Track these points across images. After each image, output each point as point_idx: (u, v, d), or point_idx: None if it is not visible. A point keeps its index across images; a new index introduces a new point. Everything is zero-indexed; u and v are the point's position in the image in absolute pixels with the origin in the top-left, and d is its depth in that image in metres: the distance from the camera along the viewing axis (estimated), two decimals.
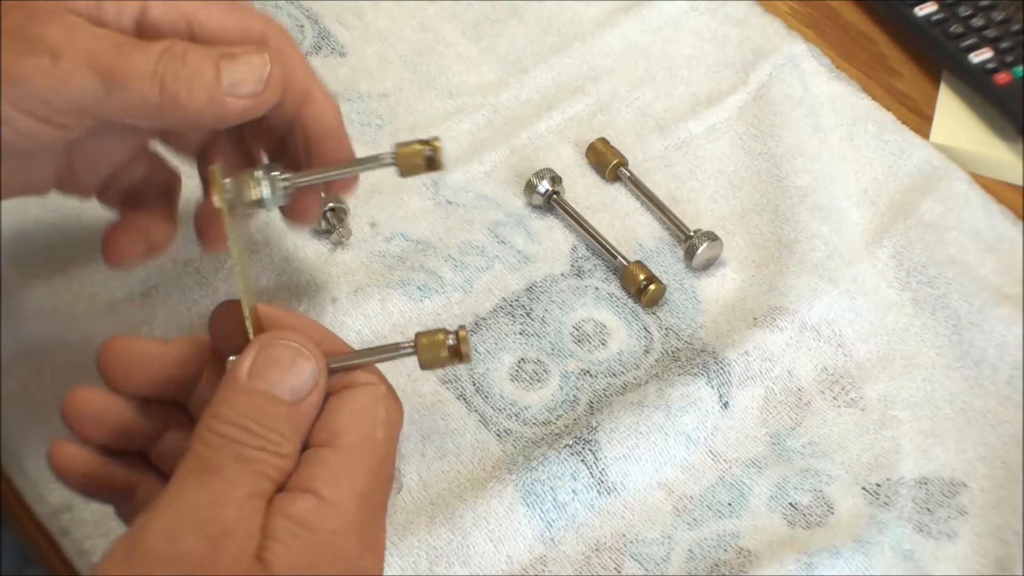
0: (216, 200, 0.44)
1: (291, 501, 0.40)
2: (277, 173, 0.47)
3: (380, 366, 0.45)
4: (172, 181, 0.53)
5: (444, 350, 0.45)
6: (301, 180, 0.47)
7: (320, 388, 0.42)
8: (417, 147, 0.47)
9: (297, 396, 0.41)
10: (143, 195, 0.52)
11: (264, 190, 0.46)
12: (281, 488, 0.41)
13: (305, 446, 0.42)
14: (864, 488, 0.54)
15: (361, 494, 0.41)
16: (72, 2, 0.45)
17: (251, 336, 0.44)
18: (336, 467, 0.41)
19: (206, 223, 0.51)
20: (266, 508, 0.40)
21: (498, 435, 0.55)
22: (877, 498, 0.54)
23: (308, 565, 0.39)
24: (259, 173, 0.46)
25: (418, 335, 0.46)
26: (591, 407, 0.56)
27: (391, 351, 0.45)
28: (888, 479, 0.54)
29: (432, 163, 0.47)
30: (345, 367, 0.44)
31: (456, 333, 0.45)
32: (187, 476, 0.40)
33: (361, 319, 0.57)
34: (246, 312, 0.44)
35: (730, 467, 0.55)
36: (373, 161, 0.47)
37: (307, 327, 0.45)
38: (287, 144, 0.50)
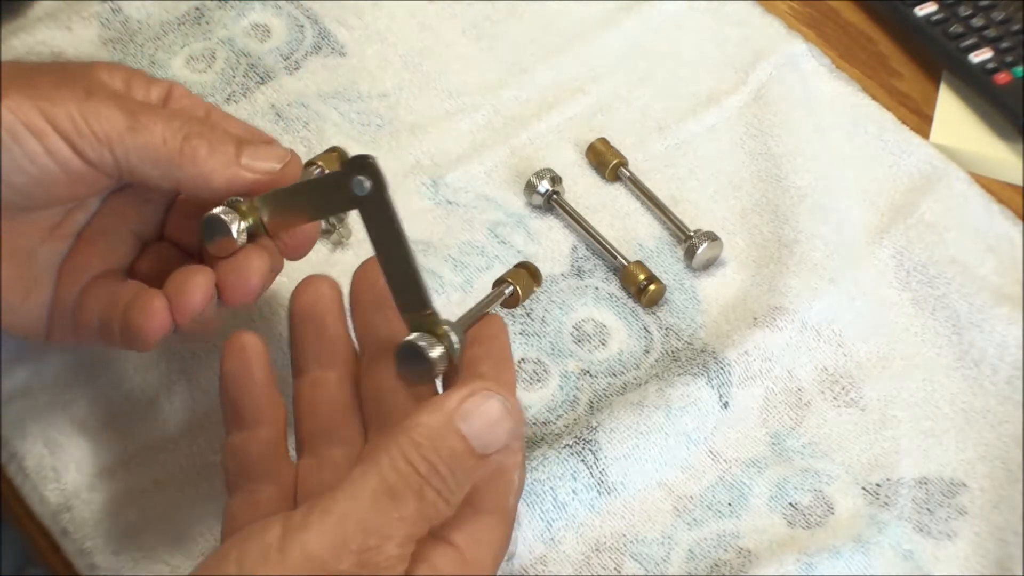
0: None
1: (434, 550, 0.41)
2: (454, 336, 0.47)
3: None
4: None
5: (530, 274, 0.52)
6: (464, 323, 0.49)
7: (507, 453, 0.42)
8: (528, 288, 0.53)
9: (486, 452, 0.41)
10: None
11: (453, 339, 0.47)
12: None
13: None
14: (864, 488, 0.54)
15: (496, 558, 0.42)
16: (107, 79, 0.48)
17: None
18: (477, 527, 0.42)
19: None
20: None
21: None
22: (877, 498, 0.54)
23: None
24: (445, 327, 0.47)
25: (505, 277, 0.52)
26: (591, 407, 0.56)
27: (497, 297, 0.51)
28: (888, 479, 0.54)
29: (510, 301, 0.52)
30: (469, 324, 0.48)
31: (525, 266, 0.53)
32: (365, 491, 0.40)
33: None
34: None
35: (730, 467, 0.55)
36: (498, 297, 0.52)
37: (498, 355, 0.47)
38: None
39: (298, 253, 0.51)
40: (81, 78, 0.47)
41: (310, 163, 0.54)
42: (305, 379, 0.48)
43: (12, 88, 0.45)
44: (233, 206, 0.48)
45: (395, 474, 0.40)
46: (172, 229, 0.52)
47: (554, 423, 0.56)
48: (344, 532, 0.39)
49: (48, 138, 0.45)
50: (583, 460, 0.53)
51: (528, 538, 0.52)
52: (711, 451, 0.55)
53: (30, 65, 0.48)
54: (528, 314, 0.59)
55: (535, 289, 0.53)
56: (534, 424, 0.55)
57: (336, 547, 0.39)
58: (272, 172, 0.48)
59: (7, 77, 0.46)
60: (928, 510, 0.53)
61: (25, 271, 0.49)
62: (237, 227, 0.47)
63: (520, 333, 0.58)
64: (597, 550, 0.52)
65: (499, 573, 0.44)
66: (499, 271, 0.60)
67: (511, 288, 0.51)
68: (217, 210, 0.47)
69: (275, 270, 0.50)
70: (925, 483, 0.54)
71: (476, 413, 0.41)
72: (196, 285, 0.47)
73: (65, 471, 0.53)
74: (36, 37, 0.66)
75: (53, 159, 0.46)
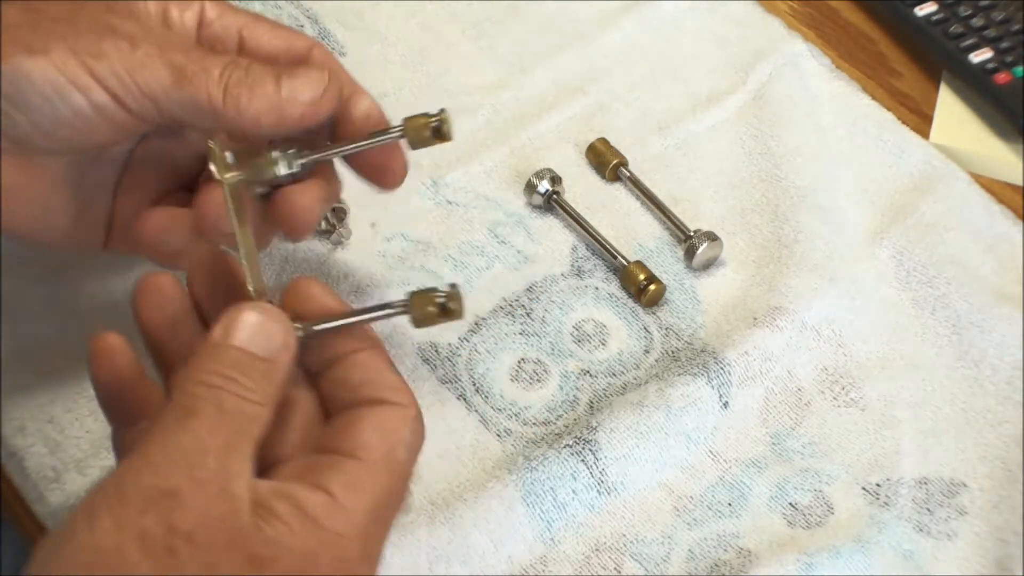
0: (215, 171, 0.46)
1: (304, 492, 0.41)
2: (292, 151, 0.48)
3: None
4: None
5: (434, 306, 0.46)
6: (316, 156, 0.49)
7: (290, 349, 0.43)
8: (424, 119, 0.48)
9: (269, 355, 0.43)
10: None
11: (281, 168, 0.48)
12: (271, 463, 0.43)
13: (330, 452, 0.43)
14: (864, 488, 0.54)
15: (374, 507, 0.42)
16: (143, 2, 0.49)
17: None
18: (355, 476, 0.42)
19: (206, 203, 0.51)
20: (252, 470, 0.41)
21: (498, 435, 0.55)
22: (877, 498, 0.54)
23: (309, 555, 0.40)
24: (275, 153, 0.48)
25: (411, 293, 0.46)
26: (591, 407, 0.56)
27: (383, 309, 0.46)
28: (888, 479, 0.54)
29: (439, 133, 0.48)
30: (335, 327, 0.45)
31: (447, 292, 0.46)
32: (169, 423, 0.41)
33: None
34: (249, 280, 0.46)
35: (730, 467, 0.55)
36: (382, 135, 0.49)
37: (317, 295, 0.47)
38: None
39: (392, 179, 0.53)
40: (124, 15, 0.48)
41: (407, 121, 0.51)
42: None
43: (56, 40, 0.46)
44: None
45: (188, 397, 0.41)
46: None
47: (554, 423, 0.56)
48: (166, 457, 0.40)
49: (94, 93, 0.46)
50: (583, 460, 0.53)
51: (528, 538, 0.52)
52: (711, 451, 0.55)
53: (72, 3, 0.48)
54: (528, 314, 0.59)
55: (440, 323, 0.47)
56: (534, 424, 0.55)
57: (161, 471, 0.39)
58: (315, 102, 0.48)
59: (51, 23, 0.46)
60: (928, 510, 0.53)
61: (75, 194, 0.50)
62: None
63: (520, 333, 0.58)
64: (597, 550, 0.52)
65: (392, 523, 0.44)
66: (499, 271, 0.60)
67: (402, 310, 0.46)
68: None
69: (331, 199, 0.51)
70: (925, 483, 0.54)
71: (235, 327, 0.43)
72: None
73: (65, 471, 0.53)
74: None
75: (99, 112, 0.47)
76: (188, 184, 0.53)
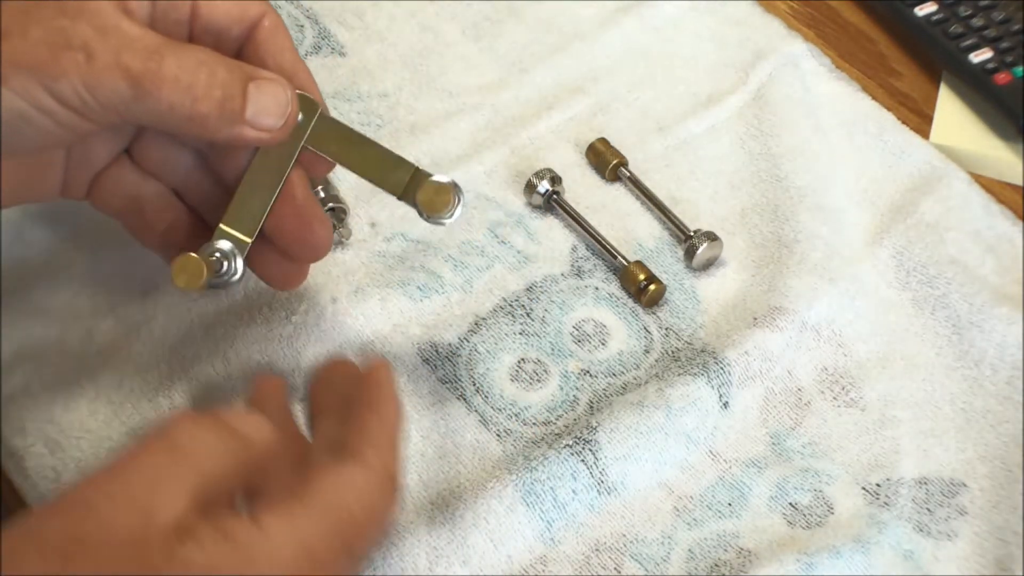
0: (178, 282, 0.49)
1: (233, 520, 0.41)
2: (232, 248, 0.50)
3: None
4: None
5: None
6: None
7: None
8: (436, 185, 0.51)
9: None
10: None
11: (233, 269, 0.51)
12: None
13: (286, 494, 0.43)
14: (864, 488, 0.54)
15: (304, 547, 0.41)
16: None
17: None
18: (291, 512, 0.42)
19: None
20: (194, 503, 0.40)
21: (498, 435, 0.55)
22: (877, 498, 0.54)
23: (214, 571, 0.40)
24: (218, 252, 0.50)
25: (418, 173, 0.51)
26: (591, 407, 0.56)
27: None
28: (888, 479, 0.54)
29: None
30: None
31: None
32: (123, 454, 0.41)
33: (361, 319, 0.57)
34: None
35: (730, 467, 0.55)
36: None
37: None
38: None
39: (309, 246, 0.52)
40: (76, 13, 0.45)
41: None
42: None
43: (12, 66, 0.45)
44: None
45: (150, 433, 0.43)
46: None
47: (554, 423, 0.55)
48: (99, 479, 0.41)
49: (58, 114, 0.46)
50: (583, 460, 0.53)
51: (528, 538, 0.52)
52: (711, 451, 0.55)
53: (23, 9, 0.46)
54: (528, 314, 0.59)
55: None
56: (534, 424, 0.55)
57: (89, 490, 0.40)
58: (273, 130, 0.48)
59: (6, 40, 0.45)
60: (928, 510, 0.53)
61: (60, 167, 0.51)
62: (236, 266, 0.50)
63: (520, 333, 0.58)
64: (597, 550, 0.52)
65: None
66: (499, 271, 0.60)
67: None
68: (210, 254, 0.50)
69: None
70: (925, 483, 0.54)
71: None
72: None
73: (65, 471, 0.53)
74: None
75: (64, 128, 0.46)
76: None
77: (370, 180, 0.51)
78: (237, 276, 0.50)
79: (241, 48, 0.50)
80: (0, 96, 0.44)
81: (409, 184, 0.51)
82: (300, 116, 0.50)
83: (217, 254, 0.50)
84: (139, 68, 0.45)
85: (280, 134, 0.49)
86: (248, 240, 0.50)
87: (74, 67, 0.45)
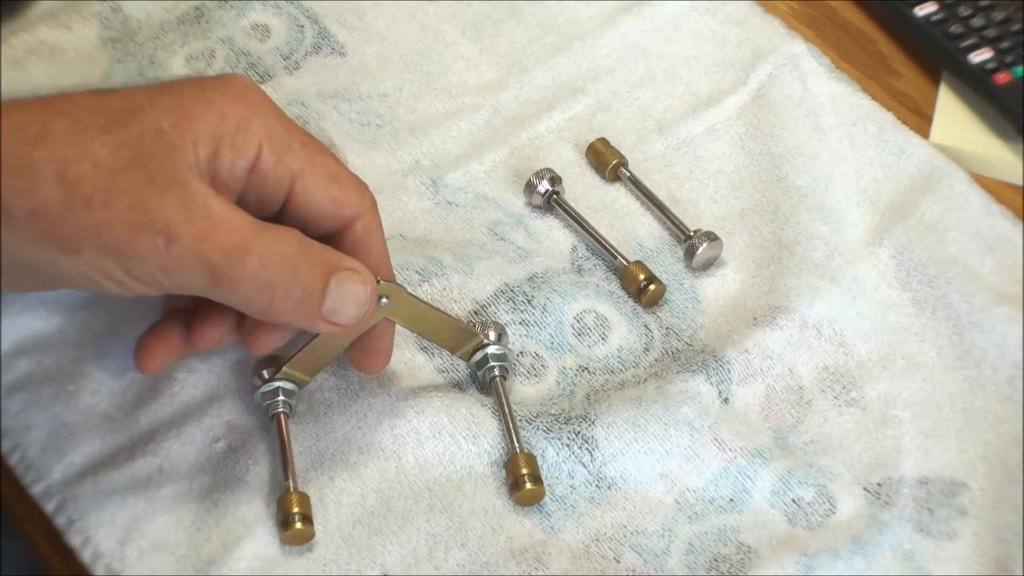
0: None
1: None
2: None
3: None
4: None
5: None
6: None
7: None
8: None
9: None
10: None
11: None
12: None
13: None
14: (865, 488, 0.54)
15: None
16: (191, 154, 0.45)
17: None
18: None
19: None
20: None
21: (495, 427, 0.55)
22: (878, 498, 0.54)
23: None
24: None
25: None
26: (588, 399, 0.56)
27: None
28: (889, 479, 0.54)
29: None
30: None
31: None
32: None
33: None
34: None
35: (735, 456, 0.54)
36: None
37: None
38: None
39: (372, 367, 0.53)
40: (166, 189, 0.44)
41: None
42: None
43: (87, 238, 0.43)
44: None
45: None
46: None
47: (550, 417, 0.55)
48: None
49: (128, 286, 0.45)
50: (580, 461, 0.53)
51: (527, 527, 0.52)
52: (716, 439, 0.54)
53: (109, 176, 0.44)
54: (529, 301, 0.58)
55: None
56: (530, 417, 0.55)
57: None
58: (348, 325, 0.48)
59: (85, 211, 0.43)
60: (929, 510, 0.53)
61: None
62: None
63: (520, 323, 0.58)
64: (597, 540, 0.52)
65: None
66: (500, 262, 0.60)
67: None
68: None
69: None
70: (926, 483, 0.54)
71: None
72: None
73: (69, 460, 0.53)
74: (36, 37, 0.66)
75: (132, 293, 0.45)
76: None
77: (444, 347, 0.55)
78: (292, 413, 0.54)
79: (332, 237, 0.49)
80: (67, 262, 0.44)
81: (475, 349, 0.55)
82: (384, 300, 0.50)
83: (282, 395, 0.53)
84: (220, 262, 0.44)
85: (355, 329, 0.49)
86: (309, 380, 0.53)
87: (152, 252, 0.43)
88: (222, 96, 0.46)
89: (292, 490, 0.51)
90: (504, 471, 0.53)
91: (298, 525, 0.50)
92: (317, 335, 0.51)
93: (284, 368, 0.52)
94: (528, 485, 0.52)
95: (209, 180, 0.45)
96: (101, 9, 0.68)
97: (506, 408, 0.54)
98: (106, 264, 0.44)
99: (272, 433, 0.53)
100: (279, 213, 0.48)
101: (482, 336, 0.54)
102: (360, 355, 0.52)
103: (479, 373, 0.55)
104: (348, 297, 0.47)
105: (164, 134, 0.44)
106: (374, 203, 0.50)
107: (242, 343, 0.51)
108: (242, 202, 0.47)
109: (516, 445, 0.53)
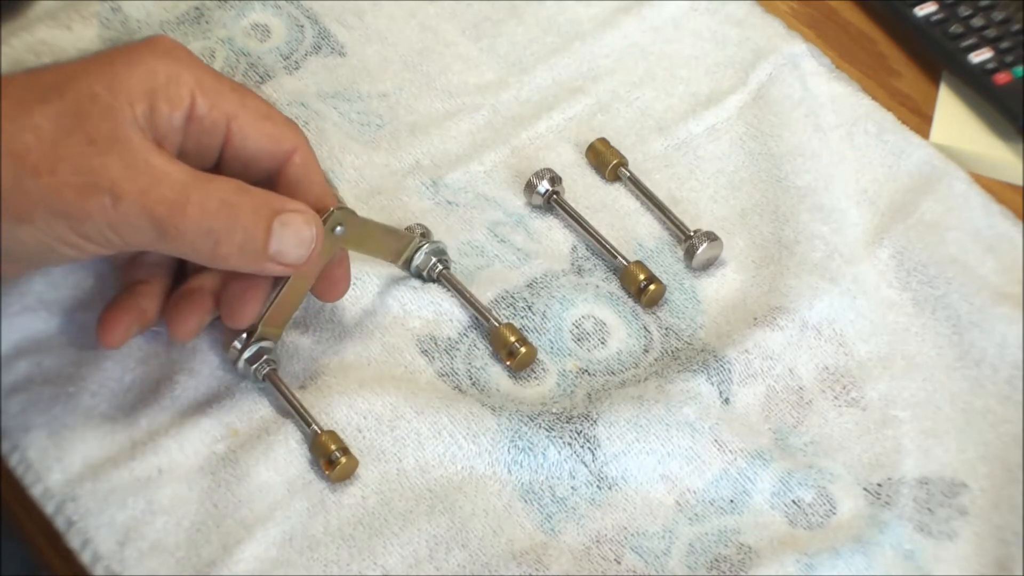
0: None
1: None
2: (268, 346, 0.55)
3: None
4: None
5: None
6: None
7: None
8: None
9: None
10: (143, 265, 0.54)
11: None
12: None
13: None
14: (865, 488, 0.54)
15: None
16: (128, 112, 0.47)
17: None
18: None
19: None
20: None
21: (495, 427, 0.55)
22: (878, 498, 0.54)
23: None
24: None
25: None
26: (589, 398, 0.56)
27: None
28: (889, 479, 0.54)
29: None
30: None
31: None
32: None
33: (360, 310, 0.57)
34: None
35: (735, 458, 0.54)
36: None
37: None
38: None
39: (334, 295, 0.55)
40: (107, 148, 0.46)
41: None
42: None
43: (39, 206, 0.45)
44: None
45: None
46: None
47: (552, 416, 0.55)
48: None
49: (83, 248, 0.47)
50: (582, 460, 0.53)
51: (528, 528, 0.52)
52: (716, 440, 0.54)
53: (52, 146, 0.46)
54: (529, 307, 0.59)
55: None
56: (531, 416, 0.55)
57: None
58: (296, 264, 0.50)
59: (34, 180, 0.45)
60: (929, 510, 0.53)
61: None
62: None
63: (520, 329, 0.58)
64: (598, 542, 0.52)
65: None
66: (499, 269, 0.60)
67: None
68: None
69: None
70: (926, 483, 0.54)
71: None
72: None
73: (69, 462, 0.53)
74: (36, 36, 0.66)
75: (87, 255, 0.48)
76: None
77: (387, 260, 0.57)
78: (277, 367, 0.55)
79: (272, 175, 0.51)
80: (24, 231, 0.46)
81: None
82: (338, 228, 0.52)
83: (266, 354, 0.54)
84: (164, 214, 0.46)
85: (304, 267, 0.50)
86: (280, 334, 0.55)
87: (100, 211, 0.46)
88: (150, 55, 0.48)
89: (320, 432, 0.52)
90: (491, 346, 0.56)
91: (343, 460, 0.52)
92: (283, 289, 0.52)
93: (260, 328, 0.53)
94: (522, 349, 0.56)
95: (152, 136, 0.47)
96: (101, 9, 0.68)
97: (466, 293, 0.57)
98: (59, 228, 0.46)
99: (271, 392, 0.55)
100: (219, 163, 0.51)
101: (414, 237, 0.57)
102: (321, 287, 0.54)
103: (424, 272, 0.58)
104: (293, 238, 0.49)
105: (99, 97, 0.46)
106: (306, 138, 0.52)
107: (223, 320, 0.53)
108: (183, 155, 0.49)
109: (492, 322, 0.56)
